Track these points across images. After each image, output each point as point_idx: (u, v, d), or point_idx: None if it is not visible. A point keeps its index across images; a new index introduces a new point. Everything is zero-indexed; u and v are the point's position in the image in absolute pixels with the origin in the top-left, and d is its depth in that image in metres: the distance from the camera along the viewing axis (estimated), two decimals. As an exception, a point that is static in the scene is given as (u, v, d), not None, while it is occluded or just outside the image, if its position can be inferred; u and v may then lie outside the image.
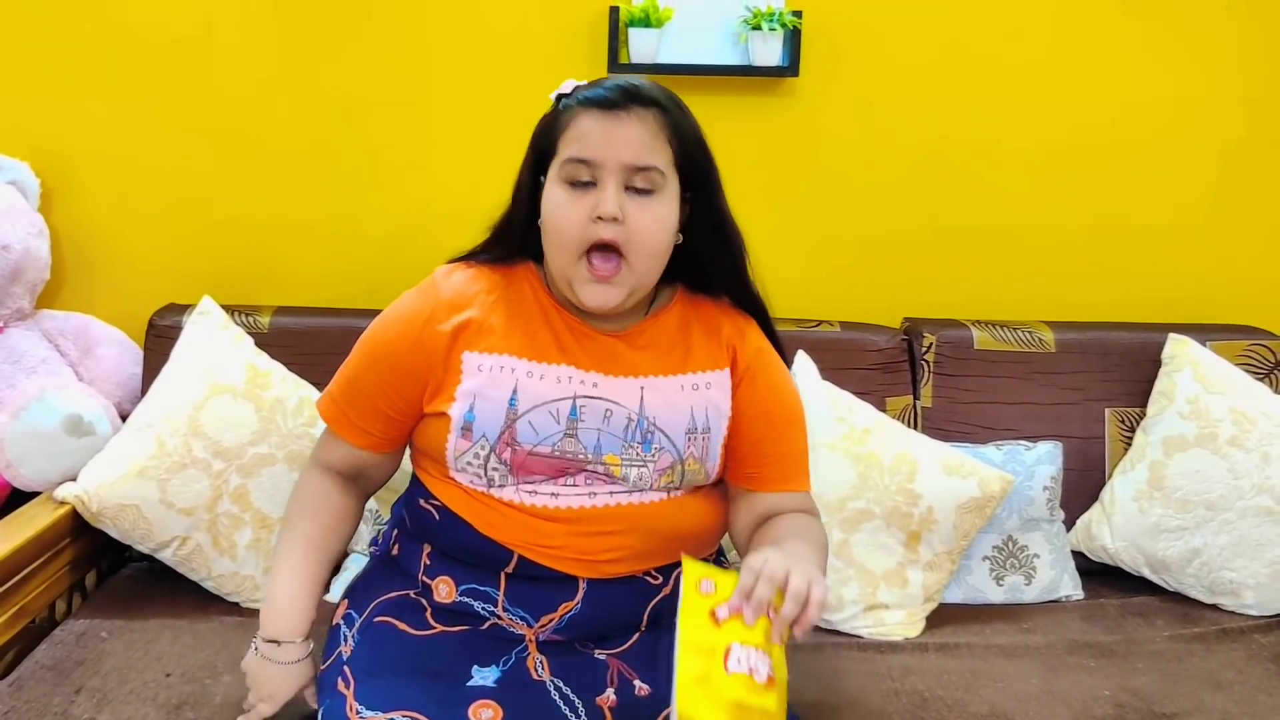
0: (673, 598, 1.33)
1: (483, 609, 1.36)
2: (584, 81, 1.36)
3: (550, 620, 1.34)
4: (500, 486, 1.33)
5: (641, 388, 1.35)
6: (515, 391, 1.32)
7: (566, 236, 1.30)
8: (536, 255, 1.40)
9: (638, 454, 1.33)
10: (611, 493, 1.34)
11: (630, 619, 1.37)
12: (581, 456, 1.32)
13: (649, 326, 1.40)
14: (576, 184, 1.30)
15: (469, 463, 1.33)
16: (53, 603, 1.77)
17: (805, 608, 1.13)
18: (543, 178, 1.34)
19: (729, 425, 1.40)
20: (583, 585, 1.34)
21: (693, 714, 1.07)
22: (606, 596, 1.34)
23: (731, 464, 1.42)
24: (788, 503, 1.42)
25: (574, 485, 1.33)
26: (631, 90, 1.30)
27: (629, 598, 1.36)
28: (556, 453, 1.32)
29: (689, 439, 1.35)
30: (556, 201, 1.31)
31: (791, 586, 1.13)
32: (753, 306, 1.46)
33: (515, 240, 1.40)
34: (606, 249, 1.30)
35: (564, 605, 1.34)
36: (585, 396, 1.33)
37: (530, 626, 1.35)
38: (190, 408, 1.82)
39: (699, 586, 1.16)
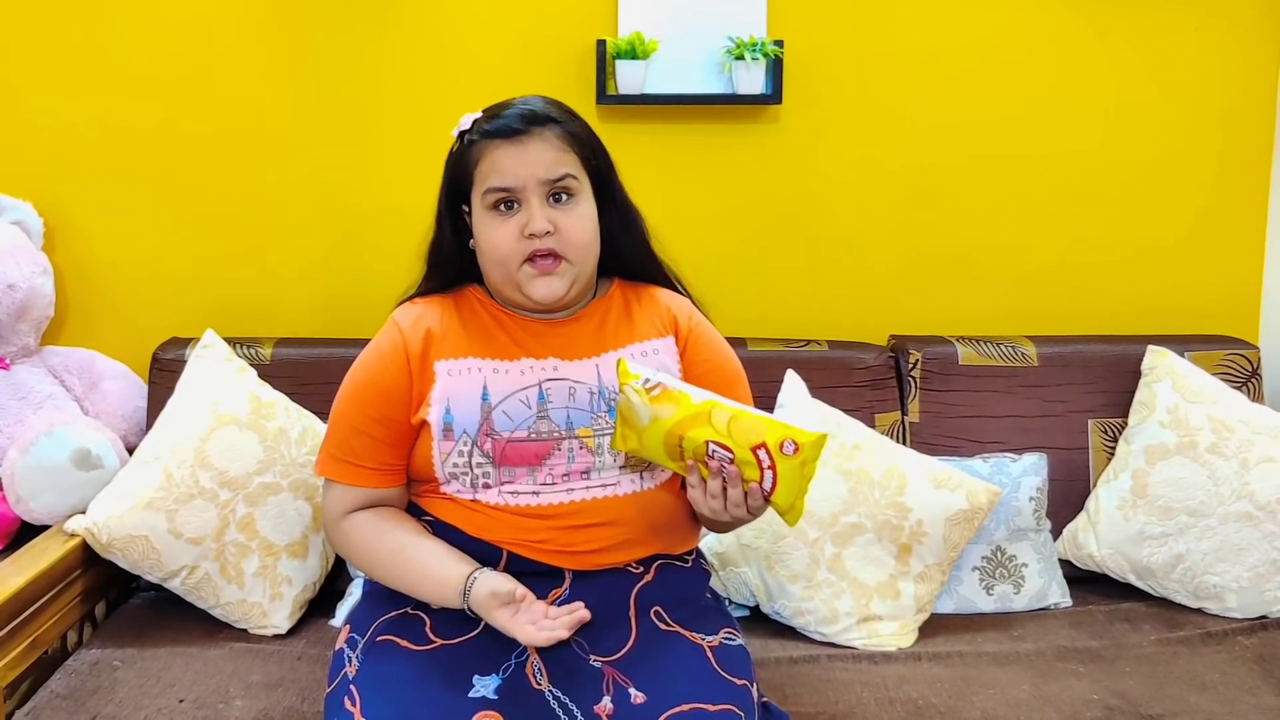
0: (654, 584, 1.46)
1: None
2: (479, 114, 1.48)
3: None
4: (486, 489, 1.42)
5: (597, 365, 1.48)
6: (485, 387, 1.44)
7: (503, 254, 1.43)
8: (475, 278, 1.53)
9: (606, 423, 1.45)
10: (588, 488, 1.44)
11: (618, 606, 1.44)
12: (556, 434, 1.43)
13: (594, 310, 1.52)
14: (501, 208, 1.43)
15: (455, 464, 1.42)
16: (65, 633, 1.81)
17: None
18: (465, 207, 1.48)
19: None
20: (568, 577, 1.43)
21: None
22: (592, 586, 1.42)
23: None
24: None
25: (553, 484, 1.43)
26: (529, 115, 1.44)
27: (612, 586, 1.45)
28: (533, 435, 1.43)
29: None
30: (488, 227, 1.44)
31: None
32: (667, 277, 1.60)
33: (450, 268, 1.53)
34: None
35: (553, 592, 1.42)
36: (549, 380, 1.45)
37: None
38: (196, 439, 1.86)
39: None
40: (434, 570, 1.41)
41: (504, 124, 1.43)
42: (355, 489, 1.48)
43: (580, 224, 1.44)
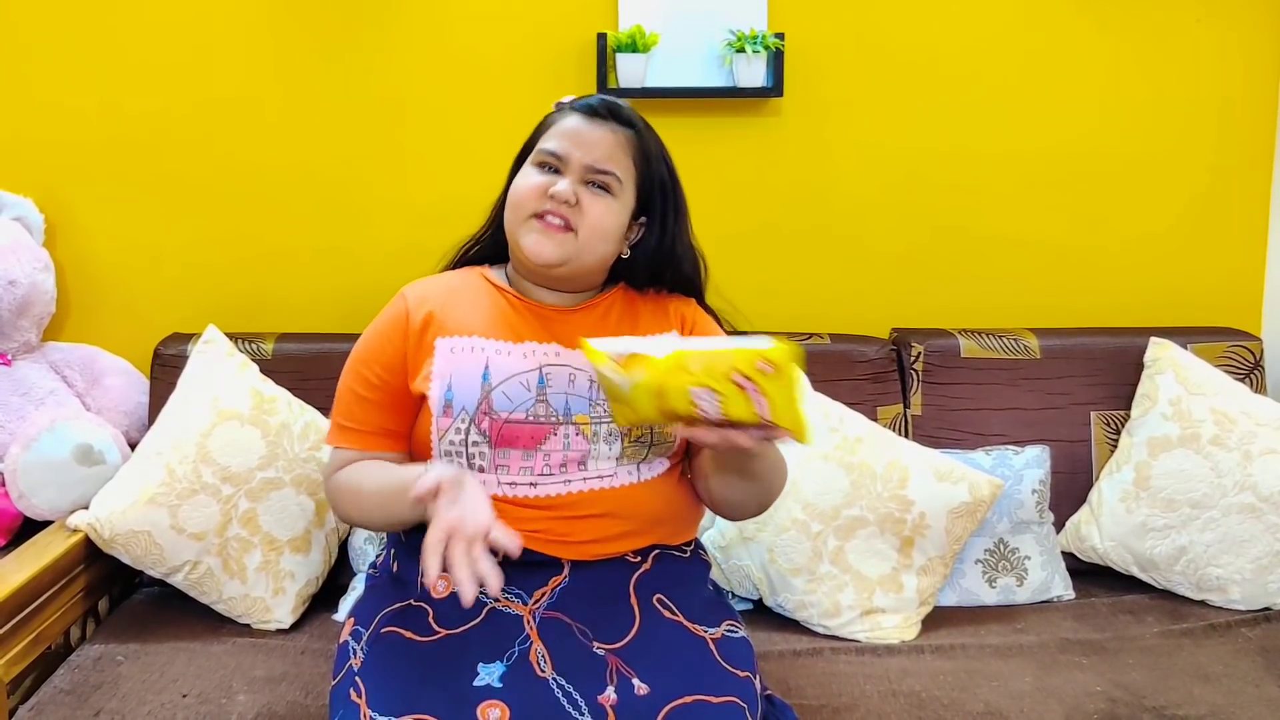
0: (653, 572, 1.47)
1: (479, 594, 1.41)
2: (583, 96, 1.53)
3: (543, 594, 1.43)
4: (481, 473, 1.43)
5: None
6: (487, 367, 1.44)
7: (521, 198, 1.46)
8: (492, 259, 1.57)
9: (604, 411, 1.45)
10: (585, 479, 1.45)
11: (618, 593, 1.45)
12: (554, 419, 1.44)
13: (600, 303, 1.54)
14: (543, 166, 1.46)
15: (452, 441, 1.43)
16: (68, 629, 1.81)
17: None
18: None
19: None
20: (567, 566, 1.44)
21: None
22: (590, 575, 1.42)
23: None
24: None
25: (550, 474, 1.43)
26: (615, 107, 1.49)
27: (611, 574, 1.45)
28: (530, 418, 1.43)
29: None
30: (523, 176, 1.48)
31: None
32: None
33: (496, 229, 1.56)
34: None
35: (553, 580, 1.43)
36: (550, 365, 1.46)
37: (525, 604, 1.42)
38: (198, 435, 1.86)
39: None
40: (400, 477, 1.39)
41: (590, 103, 1.48)
42: (353, 454, 1.49)
43: (602, 212, 1.45)
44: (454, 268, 1.61)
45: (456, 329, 1.47)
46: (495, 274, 1.56)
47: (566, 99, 1.52)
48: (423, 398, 1.45)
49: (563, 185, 1.43)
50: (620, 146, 1.46)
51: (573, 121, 1.47)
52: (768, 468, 1.45)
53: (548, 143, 1.47)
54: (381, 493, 1.42)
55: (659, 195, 1.51)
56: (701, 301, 1.60)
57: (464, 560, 1.22)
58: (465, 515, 1.24)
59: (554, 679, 1.35)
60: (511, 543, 1.25)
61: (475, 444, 1.43)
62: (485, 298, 1.52)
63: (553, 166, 1.46)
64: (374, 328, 1.52)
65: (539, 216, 1.44)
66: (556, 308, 1.51)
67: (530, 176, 1.46)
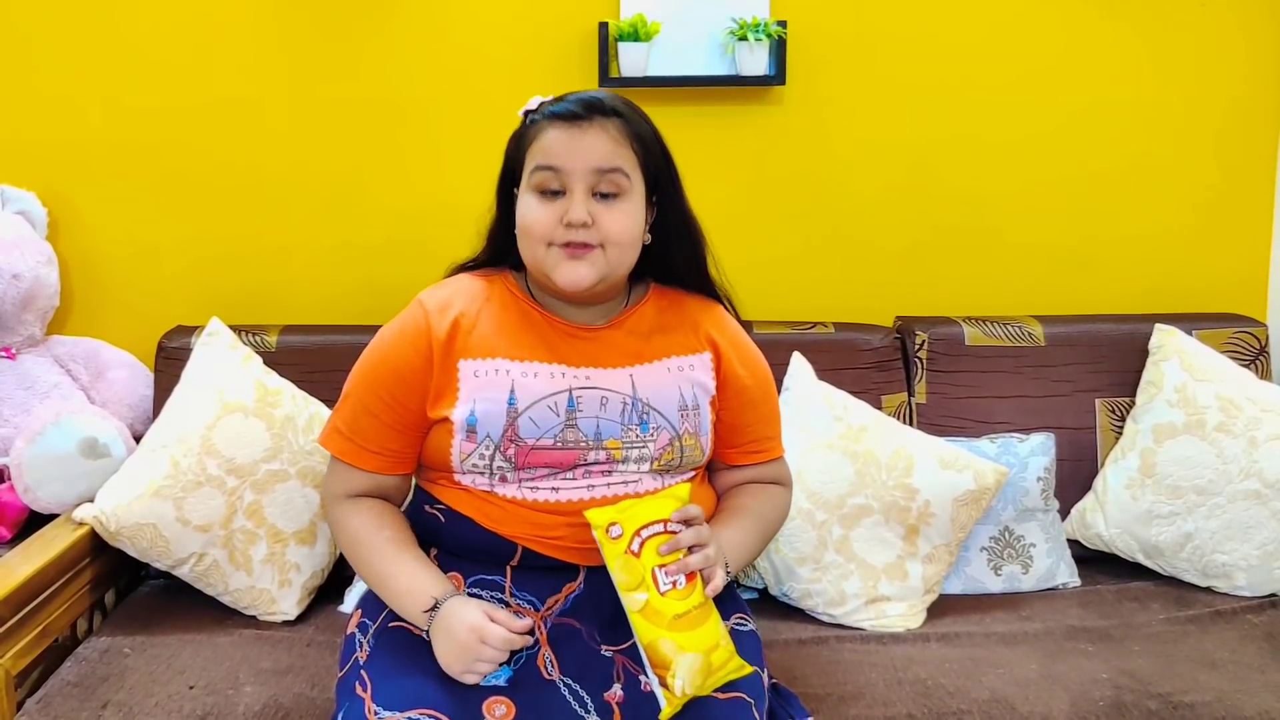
0: None
1: (491, 597, 1.41)
2: (549, 98, 1.45)
3: (556, 602, 1.41)
4: (504, 483, 1.39)
5: (631, 375, 1.44)
6: (513, 391, 1.39)
7: (538, 235, 1.39)
8: (515, 264, 1.50)
9: (636, 435, 1.41)
10: (609, 484, 1.41)
11: None
12: (583, 444, 1.39)
13: (629, 318, 1.48)
14: (546, 192, 1.39)
15: (474, 464, 1.39)
16: (74, 621, 1.81)
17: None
18: (515, 189, 1.44)
19: (716, 405, 1.49)
20: (582, 572, 1.42)
21: (651, 640, 1.28)
22: (605, 581, 1.38)
23: (719, 444, 1.52)
24: (765, 472, 1.57)
25: (573, 480, 1.40)
26: (594, 102, 1.40)
27: None
28: (559, 444, 1.38)
29: (682, 415, 1.44)
30: (529, 207, 1.39)
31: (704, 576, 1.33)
32: (717, 296, 1.57)
33: (498, 244, 1.50)
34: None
35: (567, 586, 1.41)
36: (580, 388, 1.41)
37: (537, 610, 1.41)
38: (203, 427, 1.86)
39: (609, 533, 1.31)
40: (411, 569, 1.39)
41: (566, 107, 1.39)
42: (354, 471, 1.45)
43: (621, 223, 1.38)
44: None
45: (480, 350, 1.41)
46: (518, 284, 1.49)
47: (533, 104, 1.44)
48: (443, 419, 1.40)
49: (577, 211, 1.36)
50: (616, 140, 1.39)
51: (556, 133, 1.38)
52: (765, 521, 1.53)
53: (539, 159, 1.38)
54: (377, 577, 1.41)
55: (662, 170, 1.45)
56: (707, 277, 1.55)
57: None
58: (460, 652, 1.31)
59: (561, 680, 1.34)
60: (520, 626, 1.33)
61: (500, 467, 1.39)
62: (510, 313, 1.45)
63: (554, 188, 1.38)
64: (390, 337, 1.45)
65: (561, 245, 1.38)
66: (587, 326, 1.46)
67: (537, 209, 1.38)
